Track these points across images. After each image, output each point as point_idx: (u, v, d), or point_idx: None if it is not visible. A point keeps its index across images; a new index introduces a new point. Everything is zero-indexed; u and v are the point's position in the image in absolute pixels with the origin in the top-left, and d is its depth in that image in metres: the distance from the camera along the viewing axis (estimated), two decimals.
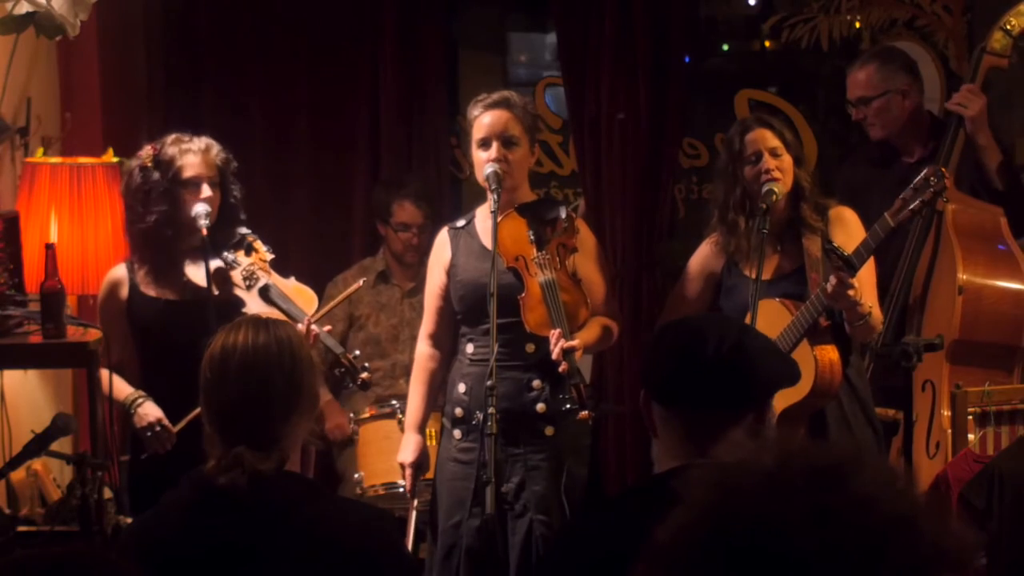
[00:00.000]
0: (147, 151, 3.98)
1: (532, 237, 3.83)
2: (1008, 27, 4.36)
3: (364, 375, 3.87)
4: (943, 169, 3.82)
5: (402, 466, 4.04)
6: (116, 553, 2.57)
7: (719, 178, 4.06)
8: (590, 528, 2.33)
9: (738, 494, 1.23)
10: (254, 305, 3.90)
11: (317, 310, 3.98)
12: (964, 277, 4.20)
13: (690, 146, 5.70)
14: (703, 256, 4.13)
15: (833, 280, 3.67)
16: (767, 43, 5.88)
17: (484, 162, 3.86)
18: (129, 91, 5.32)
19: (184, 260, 3.99)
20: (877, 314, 3.86)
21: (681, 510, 1.25)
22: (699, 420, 2.18)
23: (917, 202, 3.74)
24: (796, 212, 3.95)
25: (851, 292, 3.67)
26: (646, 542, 1.27)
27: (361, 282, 4.38)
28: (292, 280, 4.04)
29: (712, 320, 2.70)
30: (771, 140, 3.93)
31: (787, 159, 3.92)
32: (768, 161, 3.89)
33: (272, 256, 4.02)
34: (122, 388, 3.94)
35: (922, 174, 3.77)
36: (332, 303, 4.24)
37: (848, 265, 3.66)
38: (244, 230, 4.05)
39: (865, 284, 3.84)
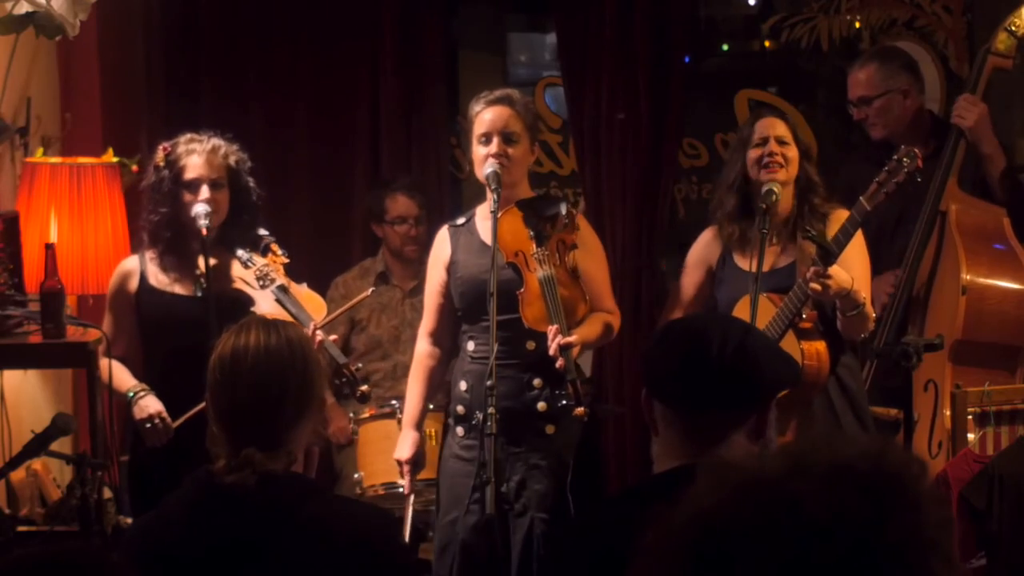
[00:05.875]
0: (161, 151, 4.01)
1: (532, 233, 3.82)
2: (1012, 28, 4.36)
3: (364, 387, 3.87)
4: (916, 150, 3.84)
5: (399, 462, 4.04)
6: (118, 553, 2.56)
7: (727, 162, 4.14)
8: (591, 528, 2.33)
9: (748, 496, 1.22)
10: (265, 305, 3.91)
11: (324, 317, 3.98)
12: (967, 278, 4.19)
13: (690, 146, 5.70)
14: (701, 246, 4.18)
15: (810, 272, 3.68)
16: (767, 43, 5.88)
17: (484, 158, 3.86)
18: (129, 91, 5.31)
19: (195, 257, 4.00)
20: (869, 308, 3.87)
21: (683, 508, 1.24)
22: (702, 420, 2.17)
23: (892, 184, 3.77)
24: (799, 208, 3.97)
25: (829, 281, 3.68)
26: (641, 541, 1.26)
27: (369, 291, 4.33)
28: (304, 286, 4.05)
29: (715, 320, 2.70)
30: (780, 128, 3.98)
31: (794, 150, 3.96)
32: (773, 146, 3.93)
33: (288, 260, 4.03)
34: (125, 379, 3.95)
35: (895, 156, 3.80)
36: (339, 311, 4.23)
37: (825, 251, 3.69)
38: (264, 232, 4.07)
39: (856, 267, 3.85)
